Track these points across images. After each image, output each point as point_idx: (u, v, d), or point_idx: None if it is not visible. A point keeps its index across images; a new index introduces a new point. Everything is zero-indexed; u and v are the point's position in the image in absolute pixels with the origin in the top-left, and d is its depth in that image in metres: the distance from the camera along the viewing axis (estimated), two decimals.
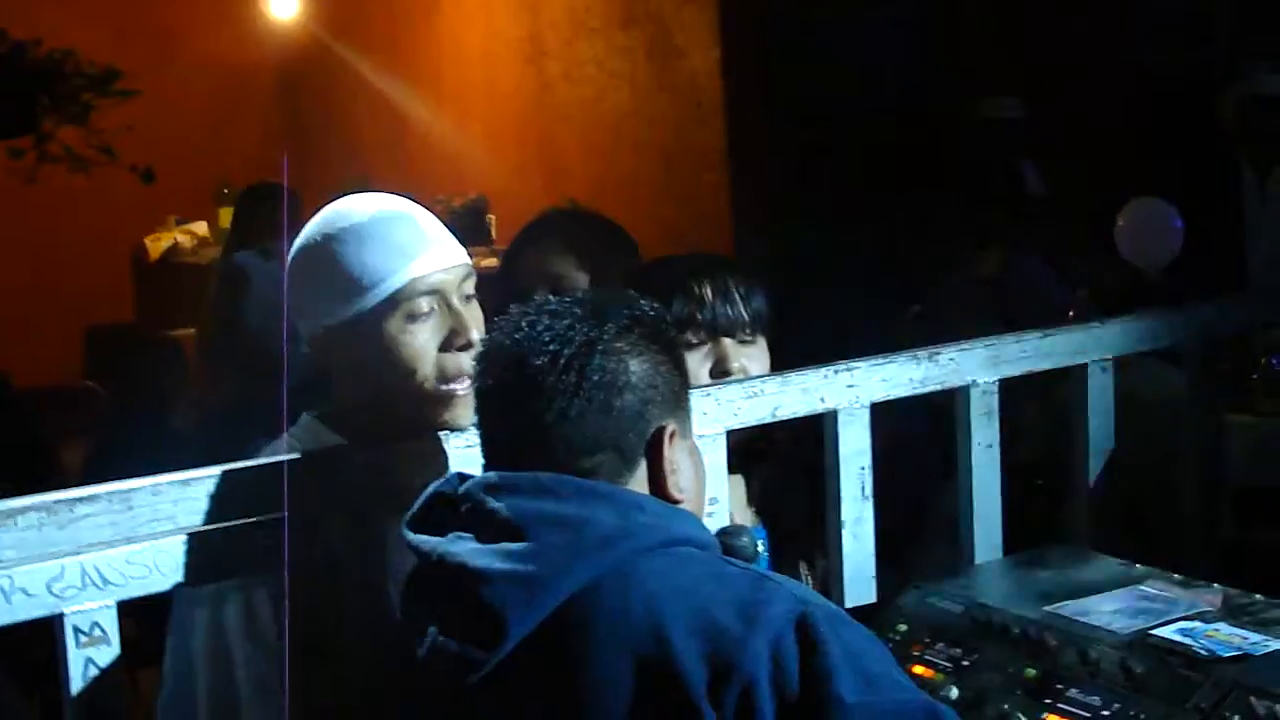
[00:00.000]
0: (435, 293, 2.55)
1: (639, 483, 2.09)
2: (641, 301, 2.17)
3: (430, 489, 2.14)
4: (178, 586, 2.33)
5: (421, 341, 2.53)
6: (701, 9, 8.94)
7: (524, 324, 2.13)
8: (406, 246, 2.55)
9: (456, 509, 2.08)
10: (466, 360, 2.50)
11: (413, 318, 2.53)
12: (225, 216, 9.68)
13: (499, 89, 10.69)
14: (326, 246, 2.57)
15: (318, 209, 2.68)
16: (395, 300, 2.52)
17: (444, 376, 2.54)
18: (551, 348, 2.07)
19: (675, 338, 2.22)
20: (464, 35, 11.09)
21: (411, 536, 2.09)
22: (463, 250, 2.64)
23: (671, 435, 2.10)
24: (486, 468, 2.13)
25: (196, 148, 11.08)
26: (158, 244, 10.55)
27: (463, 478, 2.13)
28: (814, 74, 9.17)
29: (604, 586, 1.94)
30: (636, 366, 2.08)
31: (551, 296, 2.20)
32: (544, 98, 10.24)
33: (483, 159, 10.68)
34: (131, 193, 9.52)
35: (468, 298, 2.60)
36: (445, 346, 2.54)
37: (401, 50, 11.57)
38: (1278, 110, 7.32)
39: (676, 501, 2.10)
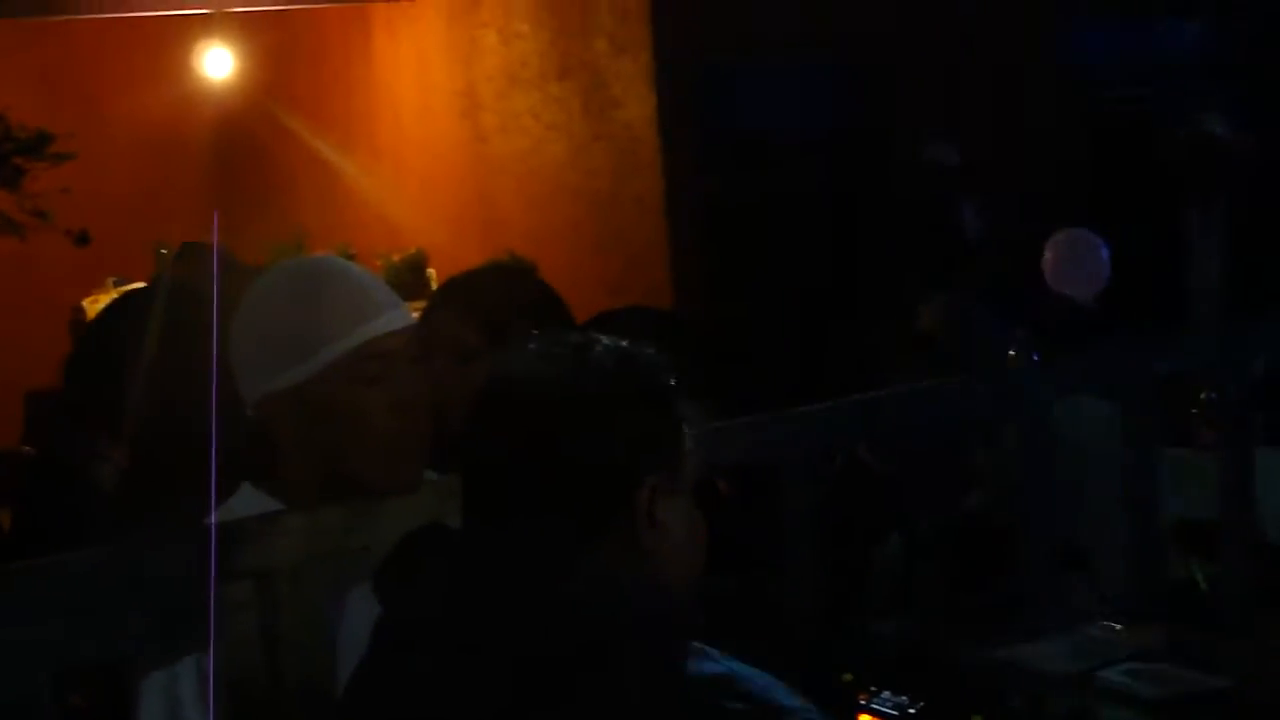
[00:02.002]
0: (387, 357, 2.52)
1: (617, 537, 2.01)
2: (637, 348, 2.12)
3: (402, 541, 2.09)
4: (130, 665, 2.31)
5: (374, 407, 2.50)
6: (636, 59, 8.96)
7: (511, 369, 2.10)
8: (353, 309, 2.52)
9: (426, 564, 2.04)
10: (420, 424, 2.48)
11: (364, 382, 2.50)
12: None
13: (435, 143, 10.69)
14: (273, 307, 2.55)
15: (255, 267, 2.66)
16: (344, 364, 2.49)
17: (397, 440, 2.51)
18: (534, 393, 2.03)
19: (671, 388, 2.12)
20: (399, 90, 11.09)
21: (382, 588, 2.06)
22: (407, 313, 2.61)
23: (654, 490, 2.02)
24: (466, 512, 2.09)
25: (132, 208, 11.01)
26: (96, 305, 10.48)
27: (435, 530, 2.09)
28: (750, 122, 9.21)
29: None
30: (624, 417, 2.03)
31: (545, 339, 2.15)
32: (480, 150, 10.24)
33: (420, 213, 10.67)
34: (68, 255, 9.46)
35: (416, 361, 2.58)
36: (397, 412, 2.51)
37: (336, 106, 11.55)
38: (1219, 151, 7.42)
39: (656, 559, 2.02)
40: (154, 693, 2.44)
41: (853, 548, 3.72)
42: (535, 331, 3.01)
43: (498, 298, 3.49)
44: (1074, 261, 7.04)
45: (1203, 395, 5.30)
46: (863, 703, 2.78)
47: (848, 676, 2.87)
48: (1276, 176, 8.54)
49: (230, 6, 10.81)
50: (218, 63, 11.34)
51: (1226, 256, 7.35)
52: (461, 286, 3.53)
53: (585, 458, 2.00)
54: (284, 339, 2.52)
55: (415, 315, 2.69)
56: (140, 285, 7.43)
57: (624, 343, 2.10)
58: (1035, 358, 5.17)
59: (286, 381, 2.51)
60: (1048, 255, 7.23)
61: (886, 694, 2.78)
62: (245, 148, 11.87)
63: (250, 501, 2.57)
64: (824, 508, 3.12)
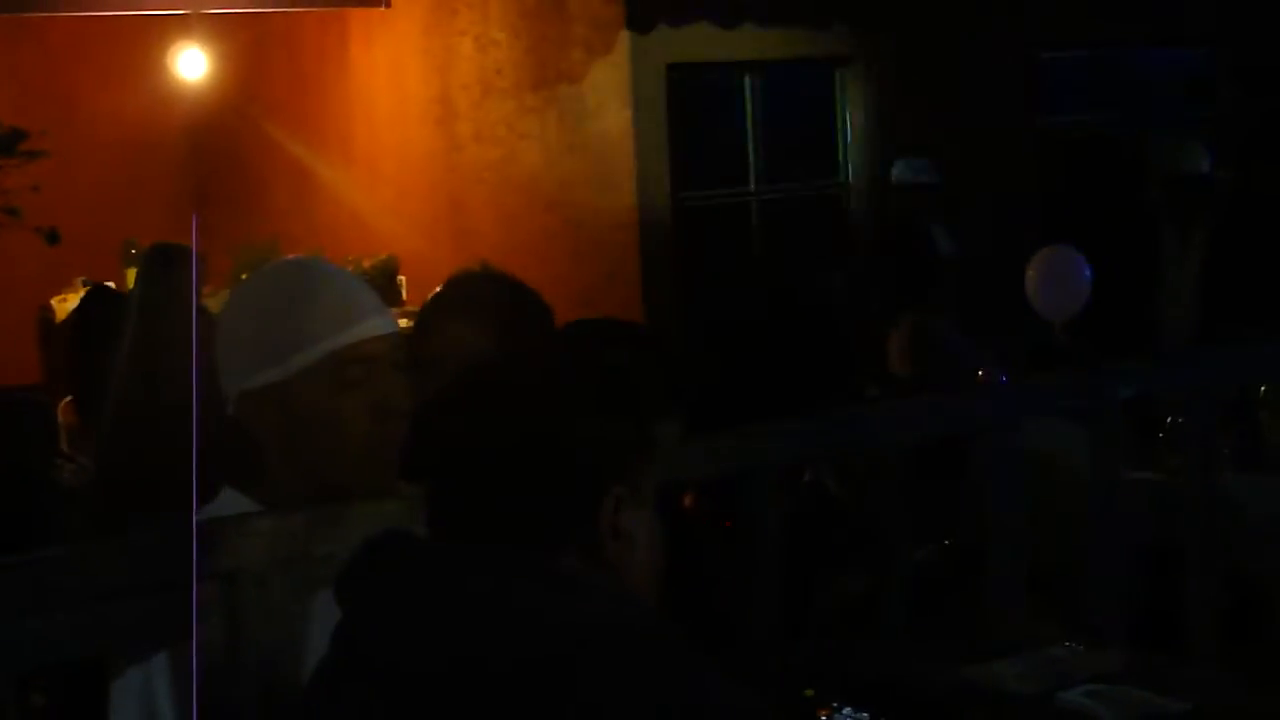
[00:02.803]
0: (368, 361, 2.52)
1: (579, 547, 1.99)
2: (604, 358, 2.11)
3: (364, 546, 2.08)
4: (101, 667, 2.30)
5: (354, 411, 2.50)
6: (612, 70, 8.97)
7: (477, 378, 2.09)
8: (337, 313, 2.52)
9: (387, 571, 2.03)
10: (401, 429, 2.48)
11: (344, 386, 2.50)
12: (133, 277, 9.61)
13: (409, 150, 10.68)
14: (256, 307, 2.56)
15: (229, 271, 2.67)
16: (324, 367, 2.49)
17: (378, 445, 2.51)
18: (499, 401, 2.03)
19: (637, 398, 2.09)
20: (374, 97, 11.09)
21: (343, 594, 2.05)
22: (391, 319, 2.62)
23: (618, 501, 2.01)
24: (429, 519, 2.08)
25: (103, 208, 11.00)
26: (65, 305, 10.45)
27: (397, 536, 2.07)
28: (725, 135, 9.24)
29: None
30: (588, 426, 2.01)
31: (510, 348, 2.14)
32: (454, 159, 10.24)
33: (393, 220, 10.66)
34: (37, 254, 9.44)
35: (397, 366, 2.57)
36: (377, 417, 2.51)
37: (311, 111, 11.55)
38: (1200, 189, 7.47)
39: (619, 569, 2.01)
40: (128, 691, 2.44)
41: (815, 573, 3.73)
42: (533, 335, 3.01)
43: (509, 301, 3.48)
44: (1056, 280, 7.08)
45: (1169, 420, 5.33)
46: (823, 718, 2.78)
47: (809, 692, 2.87)
48: (1254, 205, 8.61)
49: (206, 8, 10.79)
50: (192, 64, 11.32)
51: (1200, 286, 7.40)
52: (472, 297, 3.49)
53: (550, 468, 1.99)
54: (265, 339, 2.52)
55: (404, 322, 2.68)
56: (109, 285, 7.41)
57: (591, 353, 2.10)
58: (1003, 380, 5.19)
59: (264, 381, 2.51)
60: (1030, 272, 7.26)
61: (847, 710, 2.78)
62: (218, 150, 11.86)
63: (231, 505, 2.56)
64: (788, 533, 3.12)
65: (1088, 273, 7.25)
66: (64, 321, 6.35)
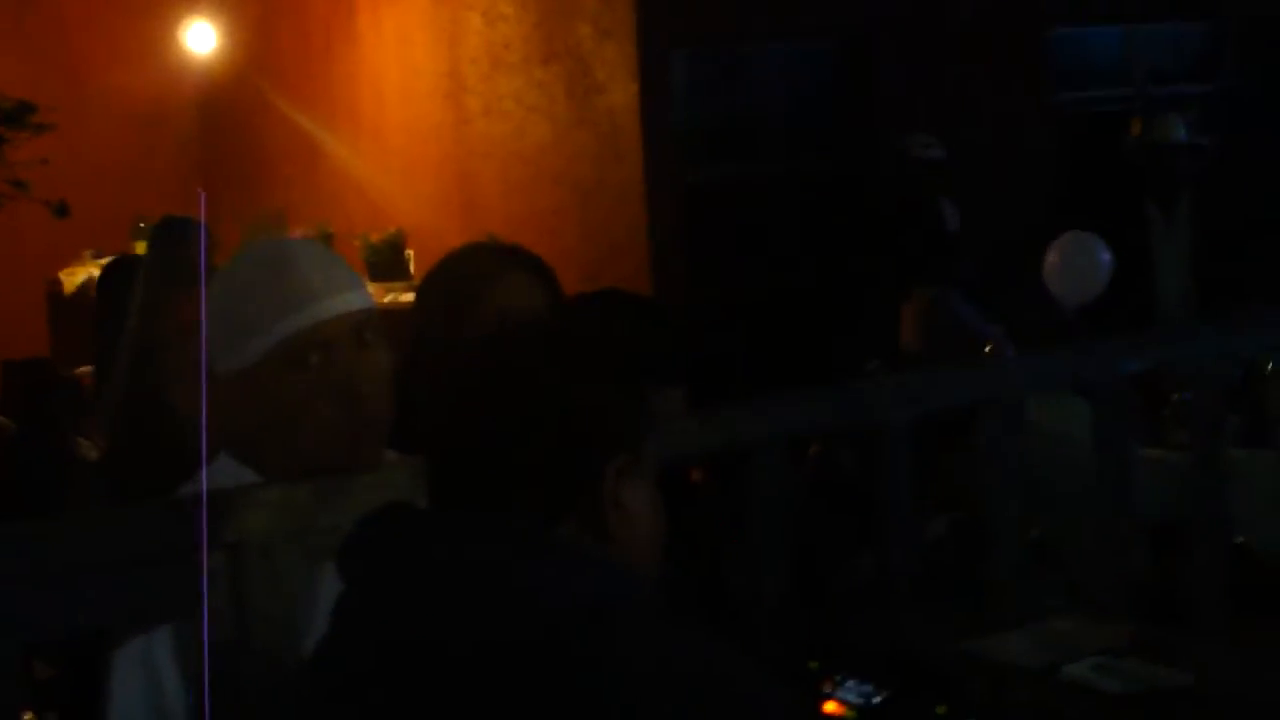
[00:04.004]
0: (322, 345, 2.51)
1: (580, 518, 1.99)
2: (605, 329, 2.09)
3: (365, 518, 2.08)
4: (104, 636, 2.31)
5: (307, 395, 2.49)
6: (621, 44, 8.96)
7: (481, 345, 2.09)
8: (290, 296, 2.51)
9: (388, 542, 2.03)
10: (362, 409, 2.48)
11: (298, 370, 2.49)
12: (142, 250, 9.62)
13: (417, 124, 10.67)
14: (221, 294, 2.56)
15: (238, 244, 2.68)
16: (279, 352, 2.49)
17: (337, 427, 2.51)
18: (502, 365, 2.03)
19: (638, 369, 2.10)
20: (382, 70, 11.07)
21: (344, 566, 2.05)
22: (360, 296, 2.59)
23: (619, 471, 2.01)
24: (429, 491, 2.08)
25: (112, 181, 10.99)
26: (73, 278, 10.47)
27: (399, 509, 2.08)
28: (733, 110, 9.23)
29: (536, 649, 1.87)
30: (590, 394, 2.01)
31: (511, 319, 2.13)
32: (463, 133, 10.23)
33: (401, 194, 10.65)
34: (47, 227, 9.45)
35: (364, 345, 2.55)
36: (333, 399, 2.50)
37: (319, 85, 11.53)
38: (1179, 154, 7.47)
39: (620, 539, 2.00)
40: (131, 660, 2.45)
41: (824, 546, 3.73)
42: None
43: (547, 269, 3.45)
44: (1076, 265, 7.07)
45: (1175, 396, 5.33)
46: (828, 690, 2.79)
47: (813, 664, 2.87)
48: (1249, 177, 8.61)
49: None
50: (201, 38, 11.33)
51: (1191, 258, 7.40)
52: (521, 258, 3.45)
53: (550, 438, 1.98)
54: (231, 323, 2.53)
55: (386, 295, 2.67)
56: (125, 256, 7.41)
57: (591, 324, 2.10)
58: (1010, 354, 5.19)
59: (230, 366, 2.52)
60: (1050, 256, 7.25)
61: (852, 682, 2.78)
62: (227, 124, 11.85)
63: (227, 470, 2.57)
64: (797, 511, 3.12)
65: (1107, 258, 7.24)
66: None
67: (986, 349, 5.41)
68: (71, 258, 10.61)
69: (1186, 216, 7.44)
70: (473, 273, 3.42)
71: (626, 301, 3.01)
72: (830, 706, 2.75)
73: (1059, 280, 7.25)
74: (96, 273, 10.38)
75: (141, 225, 10.03)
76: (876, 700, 2.72)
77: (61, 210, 9.26)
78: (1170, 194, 7.44)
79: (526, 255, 3.44)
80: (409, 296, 8.41)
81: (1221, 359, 4.05)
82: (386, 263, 9.79)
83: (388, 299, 8.83)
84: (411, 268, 9.96)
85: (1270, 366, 5.20)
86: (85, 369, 7.37)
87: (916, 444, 3.28)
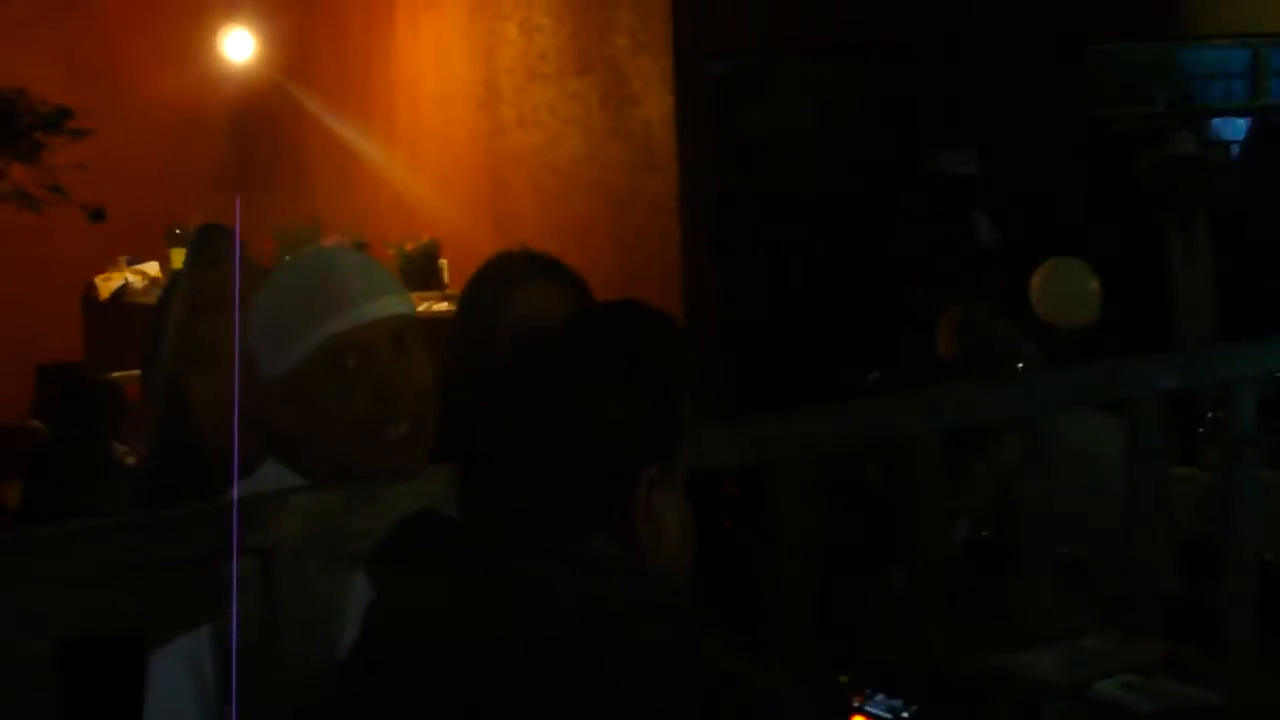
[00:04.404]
0: (359, 348, 2.53)
1: (611, 528, 1.99)
2: (637, 339, 2.10)
3: (396, 526, 2.08)
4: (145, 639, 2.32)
5: (344, 397, 2.51)
6: (655, 57, 8.97)
7: (515, 353, 2.10)
8: (331, 302, 2.54)
9: (419, 550, 2.04)
10: (397, 412, 2.50)
11: (336, 373, 2.52)
12: (177, 257, 9.65)
13: (452, 133, 10.70)
14: (267, 300, 2.60)
15: (272, 252, 2.71)
16: (319, 356, 2.52)
17: (374, 429, 2.53)
18: (536, 375, 2.03)
19: (670, 380, 2.09)
20: (418, 79, 11.10)
21: (375, 573, 2.05)
22: (399, 301, 2.62)
23: (651, 482, 2.00)
24: (462, 499, 2.08)
25: (148, 187, 11.03)
26: (108, 283, 10.51)
27: (430, 517, 2.08)
28: (766, 123, 9.23)
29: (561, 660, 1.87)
30: (623, 405, 2.00)
31: (555, 321, 2.14)
32: (497, 143, 10.25)
33: (435, 203, 10.68)
34: (83, 232, 9.49)
35: (402, 349, 2.58)
36: (369, 402, 2.52)
37: (355, 93, 11.57)
38: (1192, 170, 7.43)
39: (650, 551, 2.01)
40: (178, 659, 2.46)
41: (854, 569, 3.72)
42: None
43: (573, 276, 3.48)
44: (1060, 292, 7.04)
45: (1209, 415, 5.31)
46: (857, 704, 2.79)
47: (843, 678, 2.87)
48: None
49: None
50: (238, 45, 11.37)
51: (1212, 275, 7.37)
52: (547, 264, 3.49)
53: (582, 448, 1.99)
54: (275, 330, 2.56)
55: (444, 305, 2.69)
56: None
57: (623, 334, 2.10)
58: (1043, 370, 5.18)
59: (273, 371, 2.55)
60: (1034, 282, 7.21)
61: (881, 697, 2.78)
62: (263, 131, 11.88)
63: (273, 476, 2.59)
64: (828, 529, 3.12)
65: (1094, 285, 7.20)
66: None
67: (1020, 365, 5.41)
68: (106, 263, 10.65)
69: (1207, 234, 7.41)
70: (498, 279, 3.47)
71: (647, 313, 3.00)
72: None
73: (1042, 306, 7.21)
74: (131, 278, 10.45)
75: (177, 232, 10.08)
76: (905, 715, 2.72)
77: (98, 215, 9.29)
78: (1188, 212, 7.41)
79: (553, 263, 3.48)
80: (443, 305, 8.44)
81: (1254, 379, 4.03)
82: (420, 272, 9.82)
83: (422, 308, 8.84)
84: (445, 277, 9.98)
85: None
86: (119, 374, 7.40)
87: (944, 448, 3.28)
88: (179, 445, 3.08)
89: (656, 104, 8.99)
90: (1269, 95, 10.52)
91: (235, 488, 2.56)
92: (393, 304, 2.60)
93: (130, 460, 5.52)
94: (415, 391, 2.55)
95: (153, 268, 10.62)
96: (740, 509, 3.37)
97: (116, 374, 7.51)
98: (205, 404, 3.00)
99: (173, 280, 3.43)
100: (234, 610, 2.33)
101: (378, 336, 2.55)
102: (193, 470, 2.89)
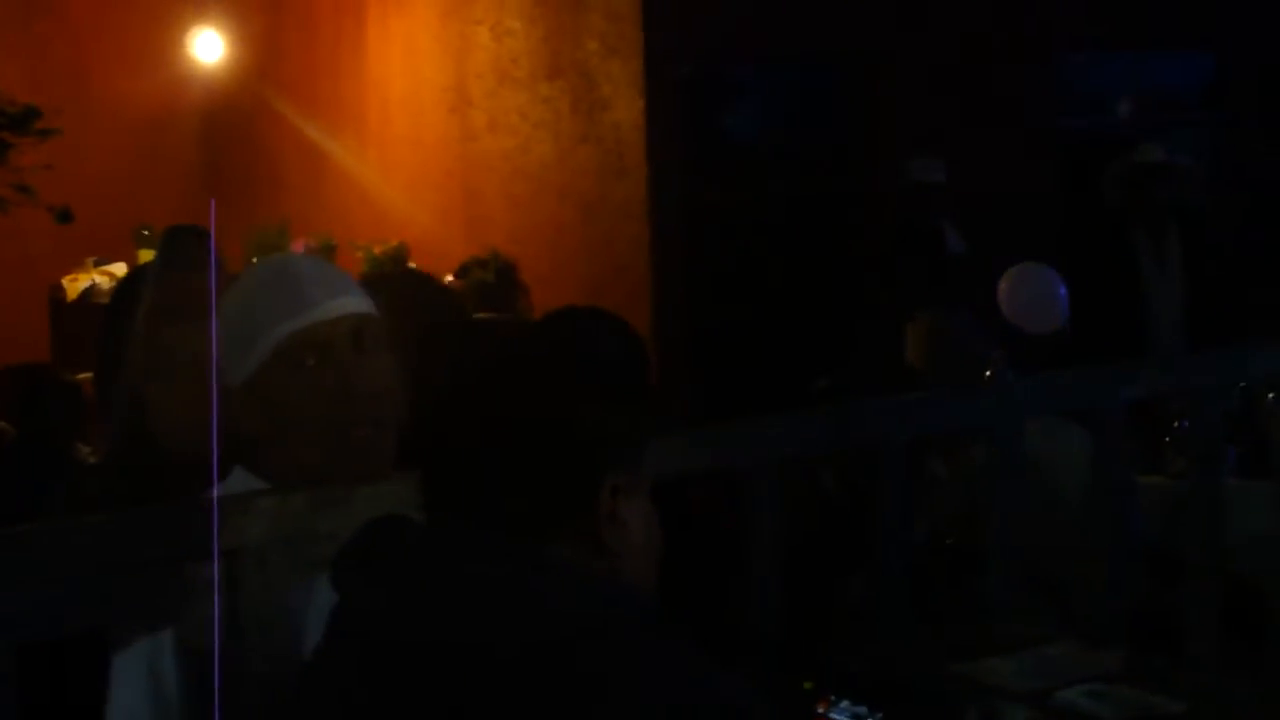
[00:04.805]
0: (318, 345, 2.55)
1: (577, 533, 1.99)
2: (603, 345, 2.10)
3: (361, 530, 2.08)
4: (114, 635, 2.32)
5: (305, 395, 2.53)
6: (626, 62, 8.97)
7: (483, 354, 2.09)
8: (288, 303, 2.56)
9: (383, 555, 2.03)
10: (358, 410, 2.51)
11: (295, 372, 2.53)
12: (145, 258, 9.61)
13: (423, 137, 10.69)
14: (228, 307, 2.61)
15: (241, 255, 2.72)
16: (279, 355, 2.53)
17: (336, 428, 2.54)
18: (500, 381, 2.03)
19: (644, 387, 2.10)
20: (389, 83, 11.09)
21: (339, 577, 2.05)
22: (357, 300, 2.63)
23: (616, 488, 2.00)
24: (427, 504, 2.07)
25: (116, 188, 10.99)
26: (75, 284, 10.47)
27: (396, 520, 2.07)
28: (736, 128, 9.24)
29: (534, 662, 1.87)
30: (587, 411, 2.00)
31: (518, 327, 2.15)
32: (468, 147, 10.25)
33: (405, 207, 10.66)
34: (49, 232, 9.46)
35: (361, 349, 2.59)
36: (330, 399, 2.53)
37: (326, 96, 11.55)
38: (1160, 178, 7.47)
39: (616, 557, 2.00)
40: (136, 662, 2.46)
41: (815, 570, 3.73)
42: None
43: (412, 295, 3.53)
44: (1027, 297, 7.07)
45: (1176, 424, 5.33)
46: (821, 711, 2.79)
47: (808, 685, 2.87)
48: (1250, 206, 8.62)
49: None
50: (208, 46, 11.34)
51: (1183, 284, 7.41)
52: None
53: (548, 454, 1.99)
54: (235, 336, 2.58)
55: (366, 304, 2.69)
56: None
57: (589, 338, 2.10)
58: (1010, 378, 5.19)
59: (235, 378, 2.56)
60: (1002, 286, 7.24)
61: (845, 703, 2.78)
62: (232, 133, 11.86)
63: (242, 484, 2.59)
64: (790, 536, 3.12)
65: (1062, 290, 7.24)
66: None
67: (987, 373, 5.42)
68: (74, 264, 10.61)
69: (1176, 243, 7.45)
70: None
71: (608, 318, 3.01)
72: None
73: (1011, 311, 7.24)
74: (99, 279, 10.40)
75: (145, 233, 10.04)
76: None
77: (64, 216, 9.26)
78: (1157, 220, 7.45)
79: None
80: None
81: (1221, 388, 4.05)
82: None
83: None
84: None
85: (1270, 396, 5.20)
86: (86, 375, 7.36)
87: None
88: (137, 456, 3.07)
89: (627, 108, 8.99)
90: (1235, 102, 10.57)
91: (215, 489, 2.57)
92: (350, 303, 2.62)
93: (92, 460, 5.50)
94: (376, 392, 2.56)
95: (120, 269, 10.57)
96: (703, 518, 3.36)
97: (83, 375, 7.47)
98: (169, 414, 3.00)
99: (127, 282, 3.41)
100: (216, 611, 2.33)
101: (336, 334, 2.57)
102: (149, 482, 2.89)
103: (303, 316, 2.55)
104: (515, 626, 1.89)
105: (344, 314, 2.59)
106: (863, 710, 2.75)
